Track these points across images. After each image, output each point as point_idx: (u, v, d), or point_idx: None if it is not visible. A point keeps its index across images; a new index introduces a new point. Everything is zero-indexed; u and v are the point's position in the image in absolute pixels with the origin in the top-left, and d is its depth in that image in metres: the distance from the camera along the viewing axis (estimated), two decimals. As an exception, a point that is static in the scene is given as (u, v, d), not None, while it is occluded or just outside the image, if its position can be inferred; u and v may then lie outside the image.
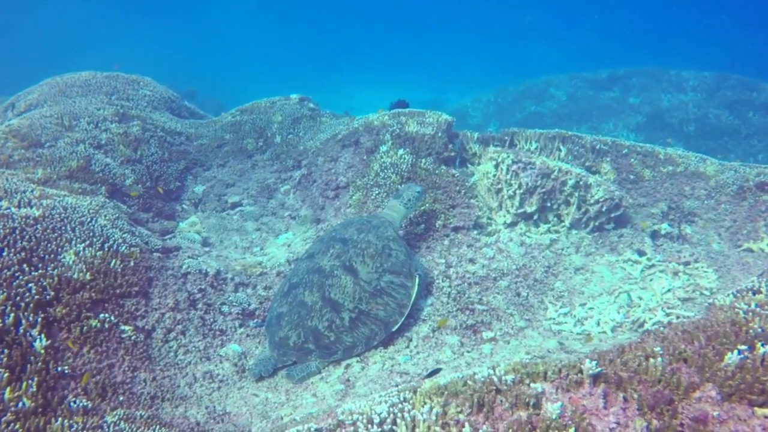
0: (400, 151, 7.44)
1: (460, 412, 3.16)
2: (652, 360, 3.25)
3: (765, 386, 3.11)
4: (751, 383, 3.12)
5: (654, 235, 7.52)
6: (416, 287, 5.71)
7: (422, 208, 6.85)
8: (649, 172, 8.34)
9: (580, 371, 3.28)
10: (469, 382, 3.36)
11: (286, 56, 49.94)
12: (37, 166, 7.08)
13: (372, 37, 57.94)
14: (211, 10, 58.44)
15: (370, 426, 3.08)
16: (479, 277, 6.32)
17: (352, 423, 3.17)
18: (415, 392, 3.36)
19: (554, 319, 5.93)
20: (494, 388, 3.27)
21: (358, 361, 5.25)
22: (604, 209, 7.33)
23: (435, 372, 5.11)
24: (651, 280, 6.58)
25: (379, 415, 3.13)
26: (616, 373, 3.31)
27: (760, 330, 3.49)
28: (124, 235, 5.97)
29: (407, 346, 5.38)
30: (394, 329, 5.45)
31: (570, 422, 2.91)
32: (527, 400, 3.11)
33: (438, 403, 3.22)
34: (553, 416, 2.93)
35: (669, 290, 6.29)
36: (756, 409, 3.08)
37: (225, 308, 5.98)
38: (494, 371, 3.34)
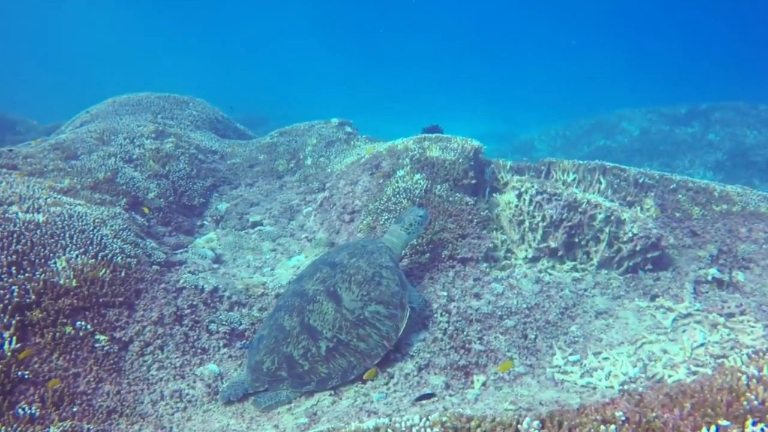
0: (417, 176, 7.10)
1: (369, 465, 2.76)
2: (603, 427, 2.68)
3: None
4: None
5: (698, 281, 6.64)
6: (405, 320, 5.30)
7: (429, 236, 6.44)
8: (699, 210, 7.45)
9: (517, 431, 2.77)
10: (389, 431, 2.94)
11: (361, 88, 51.15)
12: (65, 176, 7.39)
13: (447, 67, 57.96)
14: (280, 42, 61.56)
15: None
16: (483, 314, 5.79)
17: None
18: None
19: (560, 367, 5.28)
20: (415, 441, 2.84)
21: (330, 394, 4.89)
22: (638, 248, 6.58)
23: (426, 397, 4.65)
24: (684, 331, 5.76)
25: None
26: (561, 438, 2.77)
27: (757, 403, 2.80)
28: (124, 246, 6.03)
29: (386, 383, 4.96)
30: (374, 364, 5.06)
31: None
32: (443, 459, 2.65)
33: (348, 452, 2.83)
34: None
35: (702, 345, 5.46)
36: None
37: (213, 326, 5.83)
38: (420, 421, 2.90)
